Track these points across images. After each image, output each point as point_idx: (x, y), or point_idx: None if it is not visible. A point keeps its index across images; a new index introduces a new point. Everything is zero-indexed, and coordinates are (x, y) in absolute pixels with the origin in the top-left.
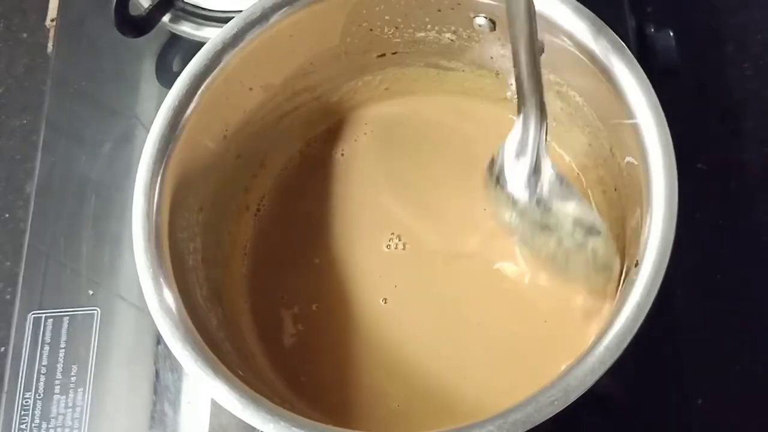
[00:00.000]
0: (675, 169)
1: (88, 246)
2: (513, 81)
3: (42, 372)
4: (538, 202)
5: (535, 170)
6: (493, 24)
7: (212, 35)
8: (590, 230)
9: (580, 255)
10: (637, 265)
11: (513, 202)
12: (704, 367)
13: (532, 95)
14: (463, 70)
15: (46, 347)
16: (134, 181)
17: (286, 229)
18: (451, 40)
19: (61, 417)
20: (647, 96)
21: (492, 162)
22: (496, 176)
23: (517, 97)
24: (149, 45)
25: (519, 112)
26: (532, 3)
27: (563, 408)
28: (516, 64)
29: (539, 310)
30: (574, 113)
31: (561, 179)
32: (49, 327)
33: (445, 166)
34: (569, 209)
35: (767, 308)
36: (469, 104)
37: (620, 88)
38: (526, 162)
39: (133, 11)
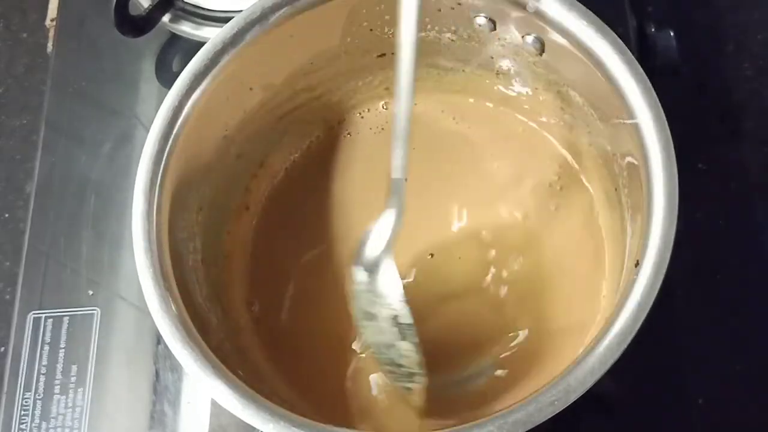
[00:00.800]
0: (675, 169)
1: (87, 246)
2: None
3: (42, 372)
4: (369, 290)
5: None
6: (493, 24)
7: (212, 35)
8: (403, 334)
9: (390, 351)
10: (637, 265)
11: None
12: (704, 367)
13: (398, 194)
14: (463, 70)
15: (46, 347)
16: (134, 181)
17: (286, 229)
18: (451, 40)
19: (61, 417)
20: (647, 96)
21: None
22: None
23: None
24: (149, 45)
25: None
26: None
27: (563, 408)
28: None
29: (541, 299)
30: (574, 113)
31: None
32: (49, 327)
33: (445, 166)
34: (389, 308)
35: (767, 308)
36: (469, 104)
37: (620, 88)
38: (374, 250)
39: (133, 11)
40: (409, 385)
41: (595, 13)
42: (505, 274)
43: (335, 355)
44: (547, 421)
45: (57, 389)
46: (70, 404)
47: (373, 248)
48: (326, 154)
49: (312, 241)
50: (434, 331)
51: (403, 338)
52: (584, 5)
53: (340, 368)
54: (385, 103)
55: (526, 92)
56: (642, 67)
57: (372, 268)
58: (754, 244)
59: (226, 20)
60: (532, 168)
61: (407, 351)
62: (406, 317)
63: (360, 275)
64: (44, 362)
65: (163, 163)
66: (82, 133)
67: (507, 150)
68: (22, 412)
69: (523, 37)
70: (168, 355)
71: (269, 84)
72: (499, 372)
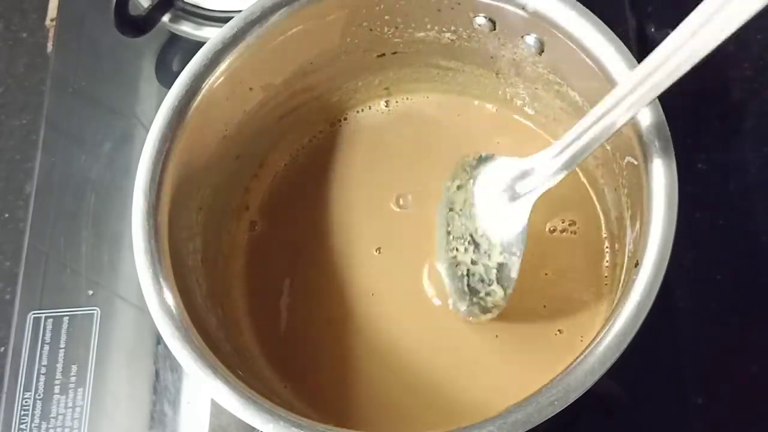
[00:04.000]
0: (675, 169)
1: (87, 246)
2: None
3: (42, 372)
4: (486, 228)
5: (514, 201)
6: (493, 24)
7: (212, 35)
8: (503, 277)
9: (479, 285)
10: (637, 265)
11: (467, 201)
12: (704, 367)
13: (575, 161)
14: (463, 70)
15: (46, 347)
16: (134, 181)
17: (285, 230)
18: (451, 40)
19: (61, 417)
20: None
21: (480, 159)
22: (474, 174)
23: (564, 149)
24: (149, 45)
25: (562, 166)
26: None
27: (563, 408)
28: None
29: (540, 299)
30: (574, 113)
31: (522, 236)
32: (49, 327)
33: (445, 165)
34: (500, 251)
35: (767, 308)
36: (469, 104)
37: None
38: (518, 190)
39: (133, 11)
40: (479, 313)
41: (595, 13)
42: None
43: (335, 355)
44: (547, 421)
45: (57, 389)
46: (70, 404)
47: (511, 185)
48: (326, 154)
49: (312, 240)
50: None
51: (500, 284)
52: (584, 5)
53: (340, 368)
54: (386, 102)
55: (526, 92)
56: None
57: (515, 194)
58: (754, 244)
59: (226, 20)
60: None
61: (498, 295)
62: (515, 272)
63: (480, 199)
64: (44, 362)
65: (163, 163)
66: (82, 133)
67: (507, 150)
68: (22, 412)
69: (523, 37)
70: (168, 355)
71: (269, 84)
72: None
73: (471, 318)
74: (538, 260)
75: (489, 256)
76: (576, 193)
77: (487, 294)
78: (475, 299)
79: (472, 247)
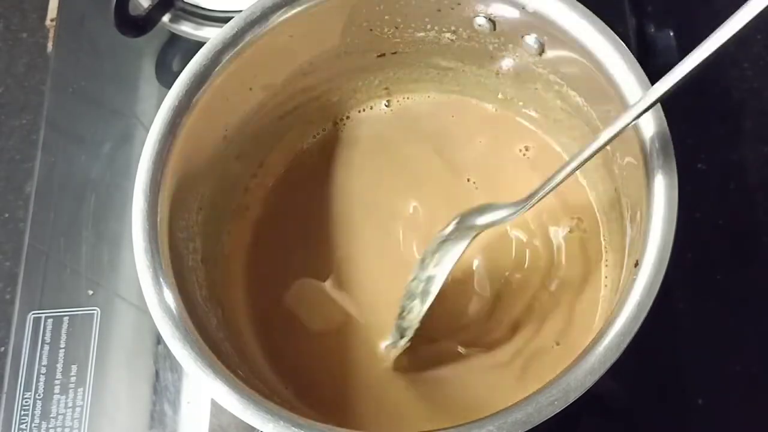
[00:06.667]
0: (675, 169)
1: (87, 246)
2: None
3: (42, 372)
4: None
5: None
6: (493, 24)
7: (212, 35)
8: (425, 291)
9: (405, 302)
10: (637, 265)
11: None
12: (704, 367)
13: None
14: (463, 70)
15: (46, 347)
16: (134, 181)
17: (285, 230)
18: (451, 40)
19: (61, 417)
20: None
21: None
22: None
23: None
24: (149, 45)
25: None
26: None
27: (563, 408)
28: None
29: (537, 302)
30: (574, 113)
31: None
32: (49, 327)
33: (445, 165)
34: (435, 263)
35: (767, 308)
36: (469, 104)
37: (620, 88)
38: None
39: (133, 11)
40: (398, 337)
41: (595, 13)
42: (504, 272)
43: (335, 356)
44: (547, 421)
45: (57, 389)
46: (70, 404)
47: (480, 218)
48: (326, 154)
49: (312, 240)
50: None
51: (421, 299)
52: (584, 5)
53: (340, 369)
54: (387, 101)
55: (526, 92)
56: (642, 67)
57: (462, 230)
58: (754, 244)
59: (226, 20)
60: (531, 167)
61: (415, 311)
62: (435, 286)
63: (450, 228)
64: (44, 362)
65: (163, 163)
66: (82, 133)
67: (507, 150)
68: (22, 412)
69: (523, 37)
70: (168, 355)
71: (269, 84)
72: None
73: (390, 345)
74: (539, 259)
75: (426, 268)
76: (576, 194)
77: (408, 312)
78: (398, 321)
79: (419, 266)
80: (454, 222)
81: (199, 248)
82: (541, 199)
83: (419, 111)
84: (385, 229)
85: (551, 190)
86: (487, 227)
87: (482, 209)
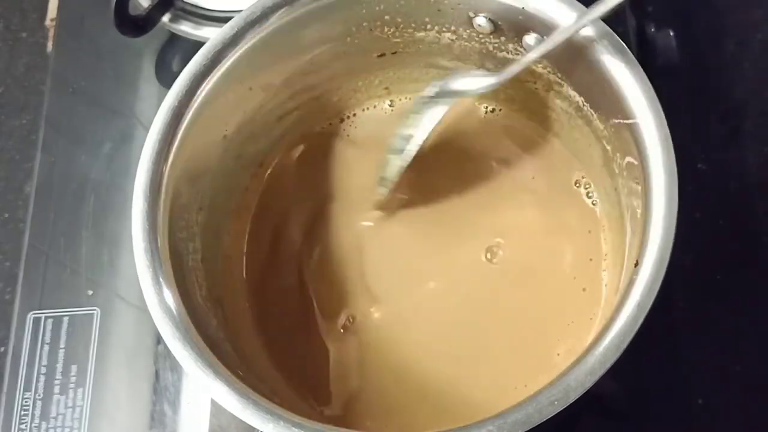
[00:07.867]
0: (675, 169)
1: (87, 246)
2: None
3: (42, 372)
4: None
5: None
6: (493, 24)
7: (212, 35)
8: (404, 150)
9: (389, 156)
10: (637, 265)
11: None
12: (704, 367)
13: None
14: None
15: (46, 347)
16: (134, 181)
17: (285, 229)
18: (451, 40)
19: (60, 417)
20: (647, 96)
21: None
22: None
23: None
24: (149, 45)
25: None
26: None
27: (563, 408)
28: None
29: (537, 302)
30: (574, 113)
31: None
32: (49, 327)
33: (445, 165)
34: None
35: (767, 308)
36: (469, 104)
37: (620, 88)
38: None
39: (133, 11)
40: (379, 185)
41: None
42: (504, 269)
43: (335, 356)
44: (546, 421)
45: (57, 389)
46: (70, 404)
47: (458, 83)
48: (326, 154)
49: (311, 240)
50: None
51: (400, 156)
52: (584, 5)
53: (340, 369)
54: (391, 101)
55: (526, 92)
56: (642, 67)
57: (441, 96)
58: (754, 244)
59: (226, 20)
60: (531, 167)
61: (395, 164)
62: (413, 145)
63: (430, 90)
64: (44, 362)
65: (163, 163)
66: (82, 133)
67: (506, 150)
68: (22, 412)
69: (523, 37)
70: (168, 355)
71: (269, 84)
72: None
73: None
74: (539, 259)
75: (407, 126)
76: (576, 194)
77: (388, 164)
78: (380, 174)
79: (402, 123)
80: (434, 85)
81: (199, 248)
82: (513, 73)
83: None
84: (386, 229)
85: (525, 65)
86: (466, 95)
87: (459, 74)
